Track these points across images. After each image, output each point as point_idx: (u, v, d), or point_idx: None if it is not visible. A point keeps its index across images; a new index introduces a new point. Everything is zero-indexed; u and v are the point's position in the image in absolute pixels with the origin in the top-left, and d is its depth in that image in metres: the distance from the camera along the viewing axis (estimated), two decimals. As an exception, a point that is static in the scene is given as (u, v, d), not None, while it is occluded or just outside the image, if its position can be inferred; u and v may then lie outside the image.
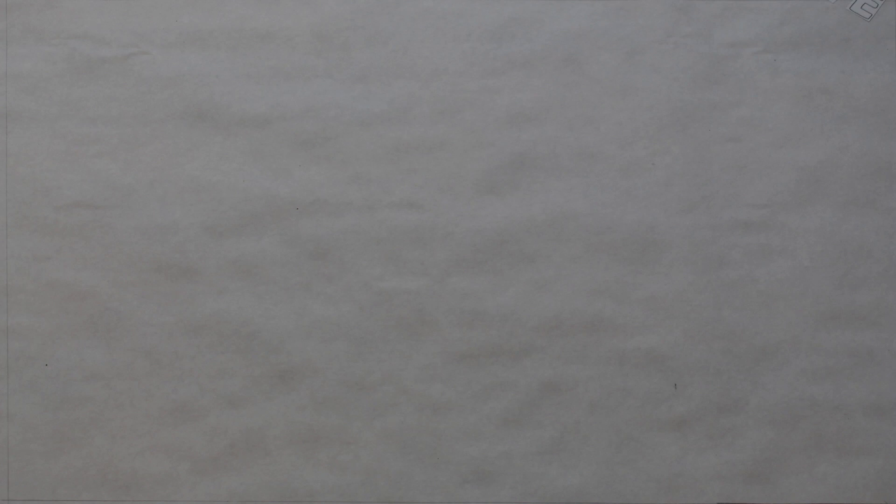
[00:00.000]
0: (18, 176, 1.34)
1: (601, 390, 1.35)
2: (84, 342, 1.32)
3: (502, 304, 1.36)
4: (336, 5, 1.41)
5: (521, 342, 1.35)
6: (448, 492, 1.34)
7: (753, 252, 1.38)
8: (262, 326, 1.34)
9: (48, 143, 1.36)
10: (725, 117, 1.41)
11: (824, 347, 1.37)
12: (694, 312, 1.36)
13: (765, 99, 1.41)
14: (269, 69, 1.39)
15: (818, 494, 1.35)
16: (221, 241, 1.36)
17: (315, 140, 1.38)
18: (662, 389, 1.35)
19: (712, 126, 1.41)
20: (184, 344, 1.33)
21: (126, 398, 1.31)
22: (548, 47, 1.41)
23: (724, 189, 1.39)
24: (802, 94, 1.42)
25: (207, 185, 1.36)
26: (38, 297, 1.32)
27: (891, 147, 1.40)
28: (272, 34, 1.40)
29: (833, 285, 1.37)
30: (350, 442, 1.33)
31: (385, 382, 1.34)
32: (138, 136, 1.37)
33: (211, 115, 1.37)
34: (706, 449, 1.35)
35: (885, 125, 1.40)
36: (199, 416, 1.32)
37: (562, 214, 1.38)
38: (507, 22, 1.42)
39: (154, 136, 1.37)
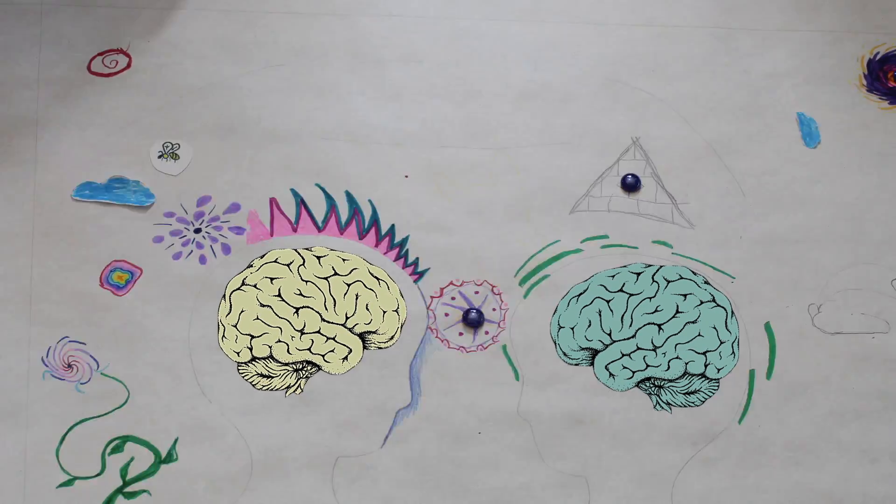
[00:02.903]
0: (46, 184, 1.33)
1: (625, 423, 1.33)
2: (106, 354, 1.31)
3: (529, 333, 1.34)
4: (371, 22, 1.40)
5: (546, 371, 1.33)
6: (467, 521, 1.32)
7: (785, 288, 1.36)
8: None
9: (77, 151, 1.34)
10: (762, 149, 1.39)
11: (854, 389, 1.35)
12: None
13: (802, 132, 1.40)
14: (301, 84, 1.38)
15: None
16: (247, 256, 1.35)
17: (345, 158, 1.36)
18: (687, 425, 1.33)
19: (748, 158, 1.39)
20: (206, 360, 1.32)
21: (145, 413, 1.30)
22: (585, 72, 1.40)
23: (757, 222, 1.37)
24: (841, 127, 1.40)
25: (235, 199, 1.36)
26: (61, 306, 1.31)
27: (930, 186, 1.39)
28: (306, 49, 1.39)
29: (865, 325, 1.35)
30: (369, 466, 1.31)
31: (408, 409, 1.33)
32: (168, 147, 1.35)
33: (241, 128, 1.36)
34: (730, 489, 1.33)
35: (925, 163, 1.39)
36: (218, 435, 1.31)
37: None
38: (545, 45, 1.40)
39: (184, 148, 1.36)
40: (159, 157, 1.34)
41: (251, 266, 1.33)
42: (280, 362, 1.31)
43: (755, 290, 1.36)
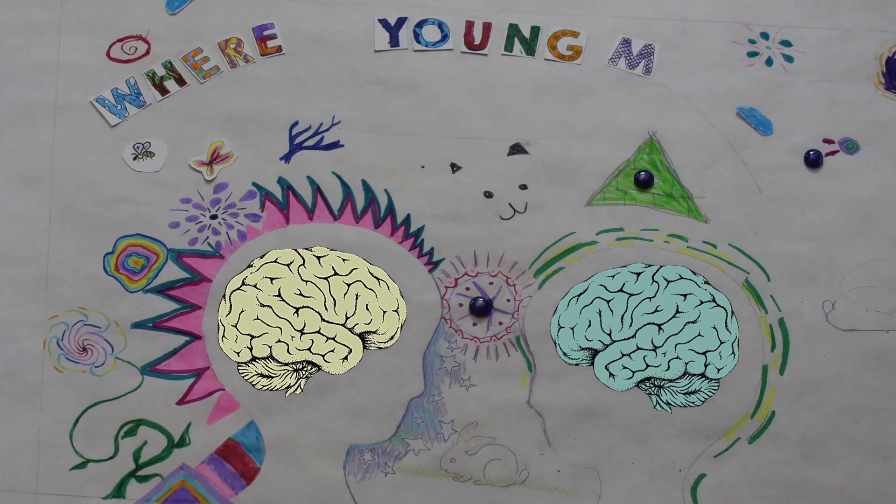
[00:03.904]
0: (63, 168, 1.34)
1: (637, 416, 1.33)
2: (120, 338, 1.31)
3: (543, 324, 1.34)
4: (389, 12, 1.40)
5: (558, 363, 1.33)
6: (478, 511, 1.32)
7: (799, 284, 1.36)
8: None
9: (95, 136, 1.35)
10: (778, 145, 1.39)
11: (867, 386, 1.34)
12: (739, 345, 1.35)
13: (819, 129, 1.39)
14: (320, 73, 1.38)
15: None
16: (262, 244, 1.36)
17: (362, 148, 1.37)
18: (700, 419, 1.33)
19: (764, 153, 1.39)
20: (219, 347, 1.32)
21: (160, 397, 1.30)
22: (602, 65, 1.40)
23: (772, 219, 1.37)
24: (858, 125, 1.40)
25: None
26: (76, 290, 1.31)
27: (947, 184, 1.38)
28: (325, 37, 1.39)
29: (879, 322, 1.35)
30: (382, 455, 1.31)
31: (421, 398, 1.33)
32: (185, 135, 1.36)
33: (259, 117, 1.37)
34: (741, 483, 1.32)
35: (942, 161, 1.39)
36: (231, 420, 1.31)
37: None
38: (563, 37, 1.40)
39: (201, 135, 1.36)
40: (134, 159, 1.34)
41: (251, 266, 1.33)
42: (280, 362, 1.31)
43: (769, 285, 1.36)
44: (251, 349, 1.31)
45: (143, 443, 1.30)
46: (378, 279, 1.33)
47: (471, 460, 1.32)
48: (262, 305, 1.31)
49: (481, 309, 1.33)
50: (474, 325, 1.34)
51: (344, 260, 1.33)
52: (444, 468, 1.32)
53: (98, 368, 1.31)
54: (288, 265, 1.33)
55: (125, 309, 1.32)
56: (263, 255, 1.33)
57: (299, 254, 1.33)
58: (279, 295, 1.32)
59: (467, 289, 1.35)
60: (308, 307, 1.31)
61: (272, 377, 1.31)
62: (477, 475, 1.32)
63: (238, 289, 1.32)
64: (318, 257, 1.33)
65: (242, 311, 1.31)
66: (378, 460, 1.31)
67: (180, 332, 1.32)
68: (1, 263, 1.32)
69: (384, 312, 1.32)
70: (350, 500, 1.30)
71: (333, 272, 1.32)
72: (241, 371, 1.31)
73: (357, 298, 1.32)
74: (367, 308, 1.32)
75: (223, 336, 1.31)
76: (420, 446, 1.32)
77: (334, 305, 1.32)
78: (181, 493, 1.29)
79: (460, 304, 1.34)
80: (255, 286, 1.32)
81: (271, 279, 1.32)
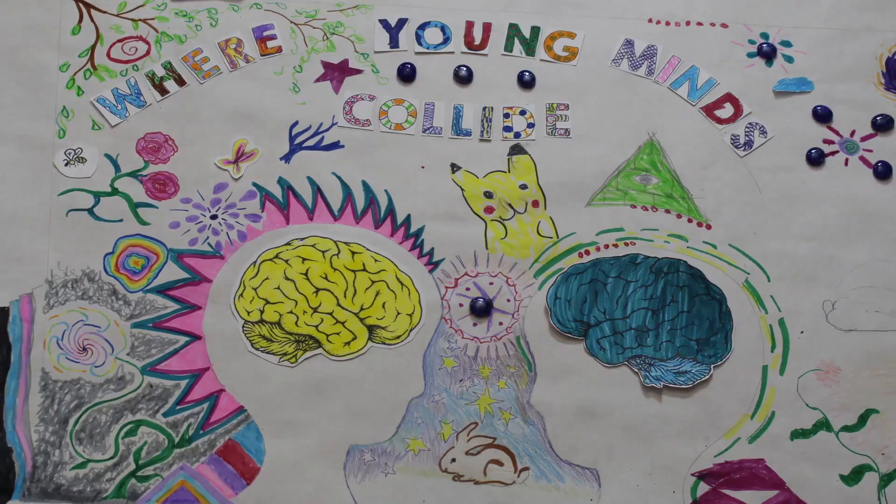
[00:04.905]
0: (63, 168, 1.34)
1: (637, 416, 1.33)
2: (120, 338, 1.31)
3: (543, 324, 1.34)
4: (388, 12, 1.40)
5: (559, 363, 1.33)
6: (478, 511, 1.32)
7: (799, 284, 1.36)
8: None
9: (95, 136, 1.35)
10: (778, 145, 1.39)
11: (867, 386, 1.34)
12: (738, 345, 1.34)
13: (819, 129, 1.40)
14: (320, 73, 1.38)
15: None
16: (263, 244, 1.36)
17: (362, 149, 1.37)
18: (700, 419, 1.33)
19: (764, 153, 1.39)
20: (220, 347, 1.32)
21: (160, 397, 1.30)
22: (603, 66, 1.40)
23: (772, 219, 1.37)
24: (858, 126, 1.40)
25: (251, 187, 1.36)
26: (77, 291, 1.31)
27: (947, 184, 1.38)
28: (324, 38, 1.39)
29: (879, 322, 1.35)
30: (381, 455, 1.31)
31: (421, 398, 1.33)
32: (186, 134, 1.36)
33: (259, 117, 1.37)
34: (741, 482, 1.33)
35: (942, 161, 1.39)
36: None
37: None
38: (563, 38, 1.40)
39: (201, 135, 1.36)
40: (66, 164, 1.34)
41: (289, 244, 1.33)
42: (285, 330, 1.31)
43: (769, 285, 1.36)
44: (262, 311, 1.31)
45: (143, 443, 1.30)
46: (402, 284, 1.33)
47: (471, 460, 1.32)
48: (287, 279, 1.32)
49: (481, 309, 1.33)
50: (474, 325, 1.34)
51: (376, 261, 1.33)
52: (444, 468, 1.32)
53: (98, 368, 1.31)
54: (323, 252, 1.33)
55: (125, 309, 1.32)
56: (304, 238, 1.33)
57: (337, 245, 1.33)
58: (305, 274, 1.32)
59: (467, 289, 1.35)
60: (328, 290, 1.32)
61: (272, 341, 1.31)
62: (477, 475, 1.32)
63: (271, 259, 1.32)
64: (354, 252, 1.33)
65: (267, 279, 1.32)
66: (378, 460, 1.31)
67: (180, 332, 1.32)
68: (1, 263, 1.32)
69: (398, 314, 1.32)
70: (350, 500, 1.30)
71: (363, 268, 1.32)
72: (245, 329, 1.31)
73: (377, 296, 1.32)
74: (382, 306, 1.32)
75: (240, 295, 1.31)
76: (420, 446, 1.32)
77: (353, 295, 1.32)
78: (181, 493, 1.29)
79: (460, 305, 1.34)
80: (286, 261, 1.32)
81: (303, 259, 1.32)
